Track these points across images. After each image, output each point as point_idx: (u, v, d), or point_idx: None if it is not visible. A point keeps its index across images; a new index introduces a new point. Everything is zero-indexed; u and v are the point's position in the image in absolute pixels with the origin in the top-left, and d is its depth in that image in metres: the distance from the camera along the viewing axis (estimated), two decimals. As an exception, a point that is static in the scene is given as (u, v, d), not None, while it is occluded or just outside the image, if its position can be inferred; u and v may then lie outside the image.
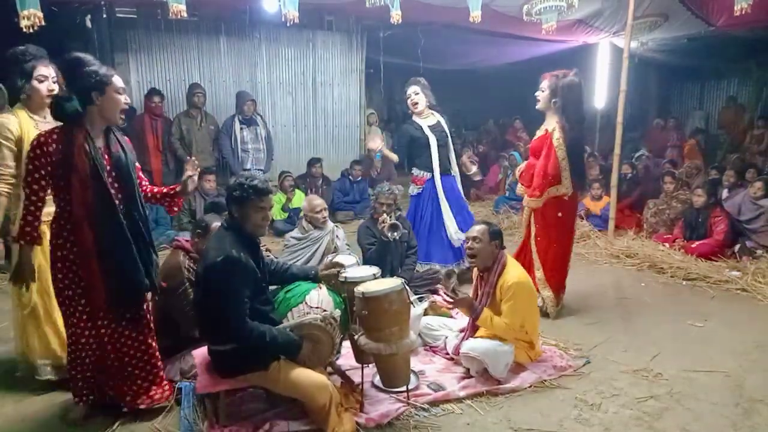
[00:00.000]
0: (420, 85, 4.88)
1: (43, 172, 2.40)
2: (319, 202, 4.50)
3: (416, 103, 4.83)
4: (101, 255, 2.49)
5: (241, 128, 6.87)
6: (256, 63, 7.90)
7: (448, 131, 4.92)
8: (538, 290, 3.96)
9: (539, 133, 4.06)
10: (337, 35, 8.44)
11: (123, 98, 2.56)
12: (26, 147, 2.66)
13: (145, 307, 2.72)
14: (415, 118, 4.89)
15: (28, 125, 2.87)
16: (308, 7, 5.85)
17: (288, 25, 5.28)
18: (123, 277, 2.53)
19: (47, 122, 2.85)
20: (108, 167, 2.50)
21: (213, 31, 7.50)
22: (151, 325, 2.77)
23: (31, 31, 4.16)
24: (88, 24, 6.71)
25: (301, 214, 6.66)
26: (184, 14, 4.98)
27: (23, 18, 4.17)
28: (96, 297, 2.52)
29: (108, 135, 2.57)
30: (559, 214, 3.97)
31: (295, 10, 5.24)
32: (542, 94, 3.95)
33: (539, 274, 4.04)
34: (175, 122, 6.66)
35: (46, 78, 2.92)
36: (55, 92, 2.92)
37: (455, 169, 5.02)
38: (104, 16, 6.69)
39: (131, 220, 2.55)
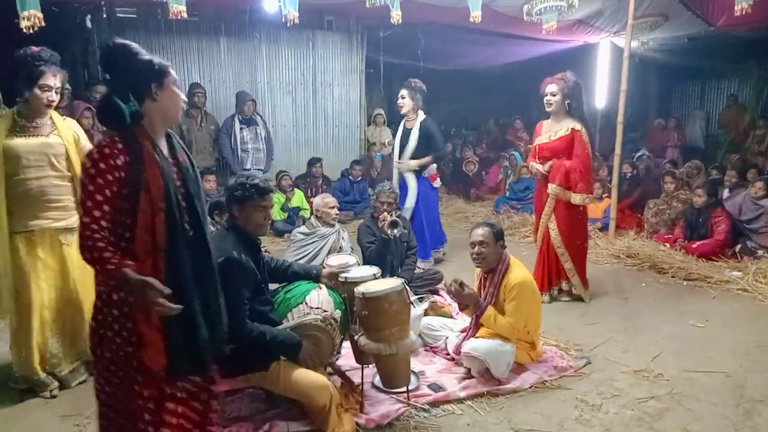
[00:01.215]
0: (409, 88, 5.09)
1: (108, 193, 1.79)
2: (332, 199, 4.58)
3: (401, 107, 5.16)
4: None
5: (241, 128, 6.87)
6: (256, 63, 7.90)
7: (416, 138, 5.10)
8: (568, 279, 4.34)
9: (559, 133, 4.17)
10: (337, 35, 8.44)
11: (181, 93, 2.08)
12: None
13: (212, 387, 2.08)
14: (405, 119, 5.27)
15: (4, 128, 2.80)
16: (308, 7, 5.84)
17: (288, 25, 5.28)
18: (189, 333, 1.90)
19: (36, 126, 2.83)
20: (178, 183, 1.94)
21: (213, 31, 7.50)
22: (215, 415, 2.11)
23: (31, 31, 4.16)
24: (88, 24, 6.71)
25: (301, 213, 6.66)
26: (184, 14, 4.98)
27: (23, 19, 4.17)
28: (153, 357, 1.84)
29: (170, 141, 2.03)
30: (581, 208, 4.30)
31: (295, 10, 5.24)
32: (555, 98, 4.10)
33: (568, 265, 4.30)
34: (175, 122, 6.65)
35: (50, 89, 2.81)
36: (55, 103, 2.87)
37: (429, 172, 5.22)
38: (104, 16, 6.69)
39: (199, 254, 1.96)
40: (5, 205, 2.82)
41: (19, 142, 2.82)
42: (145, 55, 1.93)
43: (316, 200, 4.55)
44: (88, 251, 1.76)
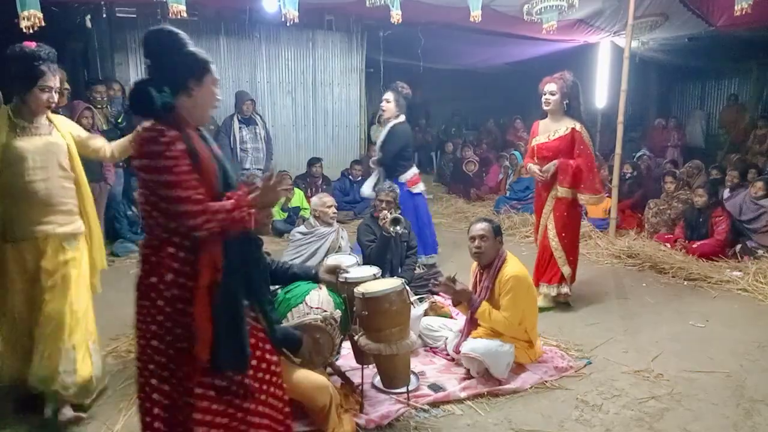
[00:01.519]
0: (396, 92, 4.93)
1: (188, 174, 1.74)
2: (329, 198, 4.56)
3: (384, 110, 5.00)
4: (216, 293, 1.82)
5: (240, 128, 6.86)
6: (256, 63, 7.89)
7: (382, 141, 4.98)
8: (564, 281, 4.25)
9: (558, 133, 4.13)
10: (337, 35, 8.43)
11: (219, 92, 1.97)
12: None
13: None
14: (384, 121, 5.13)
15: (2, 128, 2.59)
16: (308, 7, 5.84)
17: (288, 24, 5.28)
18: (234, 326, 1.86)
19: (37, 126, 2.66)
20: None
21: (213, 31, 7.49)
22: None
23: (31, 31, 4.16)
24: (88, 24, 6.70)
25: (301, 213, 6.65)
26: (184, 14, 4.99)
27: (23, 18, 4.18)
28: (202, 348, 1.79)
29: (200, 134, 1.94)
30: (578, 209, 4.30)
31: (294, 10, 5.24)
32: (554, 97, 4.07)
33: (566, 270, 4.23)
34: (175, 122, 6.65)
35: (51, 89, 2.61)
36: (55, 104, 2.71)
37: (405, 177, 4.99)
38: (104, 16, 6.67)
39: (245, 243, 1.94)
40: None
41: (23, 143, 2.62)
42: (191, 47, 1.86)
43: (314, 200, 4.55)
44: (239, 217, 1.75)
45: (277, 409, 2.01)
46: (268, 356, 2.00)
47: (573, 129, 4.08)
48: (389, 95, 4.93)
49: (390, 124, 4.93)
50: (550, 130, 4.19)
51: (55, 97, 2.67)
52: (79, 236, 2.78)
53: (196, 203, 1.73)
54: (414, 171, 5.03)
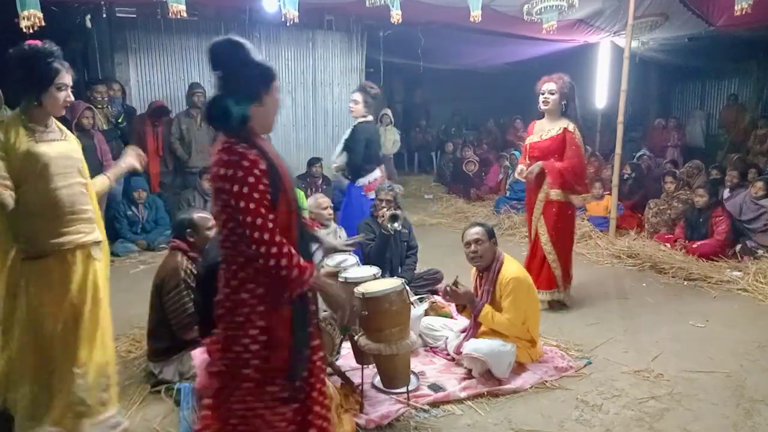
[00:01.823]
0: (365, 93, 4.80)
1: (265, 200, 1.77)
2: (325, 199, 4.54)
3: (352, 111, 4.87)
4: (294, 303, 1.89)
5: (240, 128, 6.87)
6: (256, 63, 7.89)
7: (344, 141, 4.90)
8: (559, 288, 4.22)
9: (550, 133, 4.10)
10: (337, 35, 8.43)
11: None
12: (14, 161, 2.29)
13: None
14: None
15: (20, 134, 2.35)
16: (308, 7, 5.84)
17: (288, 24, 5.28)
18: (306, 339, 1.93)
19: (50, 130, 2.44)
20: None
21: (213, 31, 7.47)
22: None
23: (31, 31, 4.16)
24: (88, 24, 6.70)
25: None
26: (184, 14, 4.98)
27: (23, 18, 4.17)
28: (279, 357, 1.86)
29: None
30: (569, 212, 4.22)
31: (294, 10, 5.24)
32: (553, 97, 4.04)
33: (558, 272, 4.19)
34: (175, 122, 6.65)
35: (67, 87, 2.41)
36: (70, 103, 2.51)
37: (364, 182, 4.90)
38: (104, 16, 6.67)
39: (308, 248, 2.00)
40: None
41: (45, 149, 2.40)
42: (257, 56, 1.88)
43: (309, 201, 4.51)
44: (286, 258, 1.77)
45: (326, 406, 2.07)
46: (318, 353, 2.05)
47: (565, 129, 4.04)
48: (357, 96, 4.81)
49: (354, 123, 4.86)
50: (543, 130, 4.16)
51: (71, 95, 2.47)
52: (101, 244, 2.63)
53: (272, 233, 1.77)
54: (376, 175, 4.88)
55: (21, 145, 2.33)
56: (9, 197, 2.27)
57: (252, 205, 1.74)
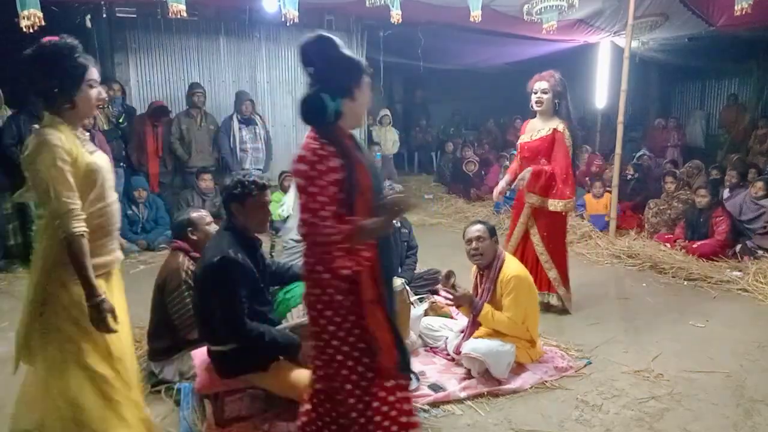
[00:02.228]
0: None
1: (330, 196, 1.80)
2: None
3: None
4: (384, 302, 1.93)
5: (240, 128, 6.86)
6: (256, 63, 7.89)
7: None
8: (554, 290, 4.11)
9: (541, 133, 4.03)
10: (337, 35, 8.26)
11: None
12: (79, 171, 1.99)
13: None
14: None
15: (75, 143, 2.03)
16: (308, 7, 5.84)
17: (288, 24, 5.27)
18: (398, 333, 2.00)
19: (86, 139, 2.15)
20: None
21: (213, 31, 7.49)
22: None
23: (31, 31, 4.16)
24: (88, 24, 6.70)
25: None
26: (184, 14, 4.98)
27: (23, 18, 4.18)
28: (387, 357, 1.93)
29: (353, 139, 1.98)
30: (563, 213, 4.09)
31: (294, 10, 5.24)
32: (546, 96, 3.95)
33: (552, 274, 4.10)
34: (175, 122, 6.65)
35: (97, 83, 2.14)
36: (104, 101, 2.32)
37: None
38: (104, 16, 6.68)
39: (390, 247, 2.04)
40: None
41: (96, 159, 2.11)
42: (348, 50, 1.89)
43: None
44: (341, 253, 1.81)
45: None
46: None
47: (554, 130, 3.94)
48: None
49: None
50: (534, 130, 4.08)
51: (103, 92, 2.26)
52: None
53: (326, 227, 1.80)
54: None
55: (80, 157, 2.02)
56: (84, 235, 1.96)
57: (315, 206, 1.78)
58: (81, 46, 2.11)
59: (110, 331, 1.99)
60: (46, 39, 2.06)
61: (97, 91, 2.14)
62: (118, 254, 2.24)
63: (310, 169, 1.77)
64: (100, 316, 1.95)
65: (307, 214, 1.78)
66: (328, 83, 1.84)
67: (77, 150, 2.01)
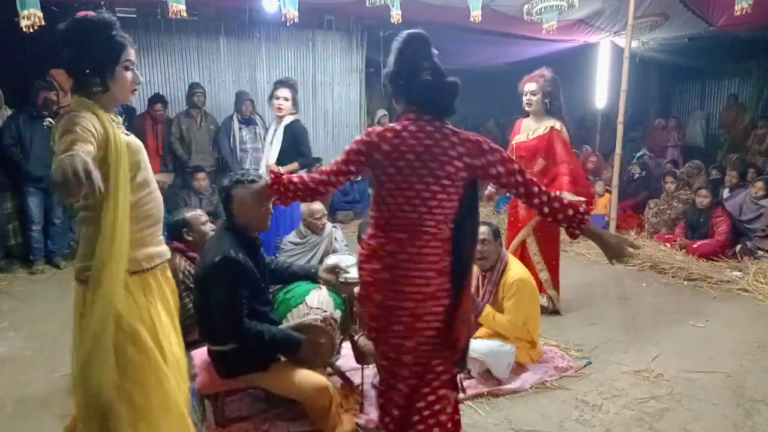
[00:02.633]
0: (292, 89, 4.53)
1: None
2: (318, 207, 4.39)
3: (281, 108, 4.48)
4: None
5: (240, 128, 6.86)
6: (256, 63, 7.89)
7: (281, 141, 4.56)
8: (544, 291, 4.08)
9: (537, 132, 4.02)
10: (337, 35, 8.43)
11: None
12: (117, 157, 1.76)
13: None
14: (277, 119, 4.62)
15: (110, 123, 1.81)
16: (308, 7, 5.84)
17: (288, 24, 5.27)
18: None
19: (120, 122, 1.95)
20: None
21: (213, 31, 7.49)
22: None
23: (31, 30, 4.16)
24: (88, 24, 6.70)
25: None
26: (184, 14, 4.98)
27: (23, 18, 4.18)
28: (463, 330, 2.10)
29: None
30: None
31: (294, 10, 5.24)
32: (535, 97, 3.95)
33: (544, 275, 4.08)
34: (175, 122, 6.65)
35: (134, 65, 1.93)
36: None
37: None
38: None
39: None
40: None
41: (135, 140, 1.96)
42: None
43: (302, 208, 4.40)
44: None
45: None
46: None
47: (552, 128, 3.94)
48: (287, 92, 4.48)
49: (284, 123, 4.53)
50: (530, 129, 4.07)
51: (140, 76, 2.00)
52: None
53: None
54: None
55: (118, 136, 1.81)
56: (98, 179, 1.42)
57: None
58: (119, 23, 1.90)
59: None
60: (82, 13, 1.85)
61: (133, 75, 1.93)
62: (166, 249, 2.08)
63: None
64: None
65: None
66: (443, 74, 2.27)
67: (113, 130, 1.79)
